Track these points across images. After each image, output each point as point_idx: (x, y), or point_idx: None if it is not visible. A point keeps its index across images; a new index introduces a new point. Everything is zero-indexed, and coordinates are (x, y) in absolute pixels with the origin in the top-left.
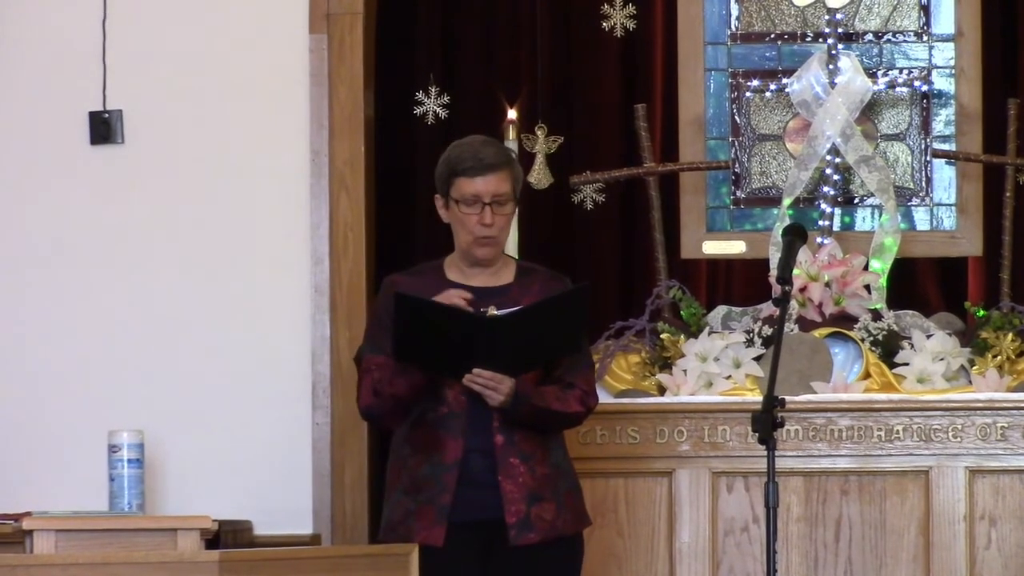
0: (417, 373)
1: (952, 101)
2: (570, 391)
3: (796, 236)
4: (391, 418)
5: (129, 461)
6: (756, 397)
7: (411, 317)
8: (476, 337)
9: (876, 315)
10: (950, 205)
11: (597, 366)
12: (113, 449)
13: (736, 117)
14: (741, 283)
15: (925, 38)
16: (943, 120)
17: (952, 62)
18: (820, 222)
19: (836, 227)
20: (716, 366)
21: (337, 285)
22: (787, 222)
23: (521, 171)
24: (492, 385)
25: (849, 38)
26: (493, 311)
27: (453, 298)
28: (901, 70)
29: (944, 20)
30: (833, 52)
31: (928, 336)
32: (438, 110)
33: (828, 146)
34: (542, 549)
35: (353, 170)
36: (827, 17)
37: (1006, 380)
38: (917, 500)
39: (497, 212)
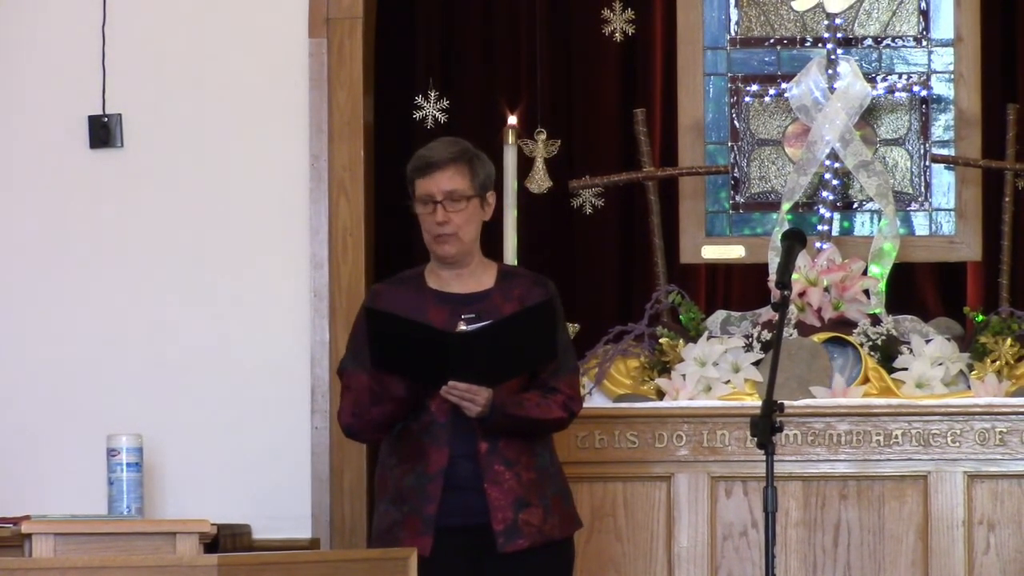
0: (394, 401)
1: (951, 106)
2: (552, 396)
3: (795, 241)
4: (372, 436)
5: (128, 465)
6: (755, 402)
7: (384, 331)
8: (448, 351)
9: (875, 320)
10: (949, 210)
11: (596, 370)
12: (112, 453)
13: (735, 122)
14: (740, 288)
15: (924, 43)
16: (942, 125)
17: (951, 67)
18: (819, 227)
19: (835, 232)
20: (715, 371)
21: (336, 289)
22: (786, 227)
23: (485, 164)
24: (468, 397)
25: (848, 43)
26: (462, 327)
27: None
28: (900, 75)
29: (943, 25)
30: (832, 57)
31: (927, 341)
32: (437, 114)
33: (827, 151)
34: (531, 554)
35: (352, 174)
36: (826, 22)
37: (1005, 385)
38: (916, 505)
39: (451, 209)
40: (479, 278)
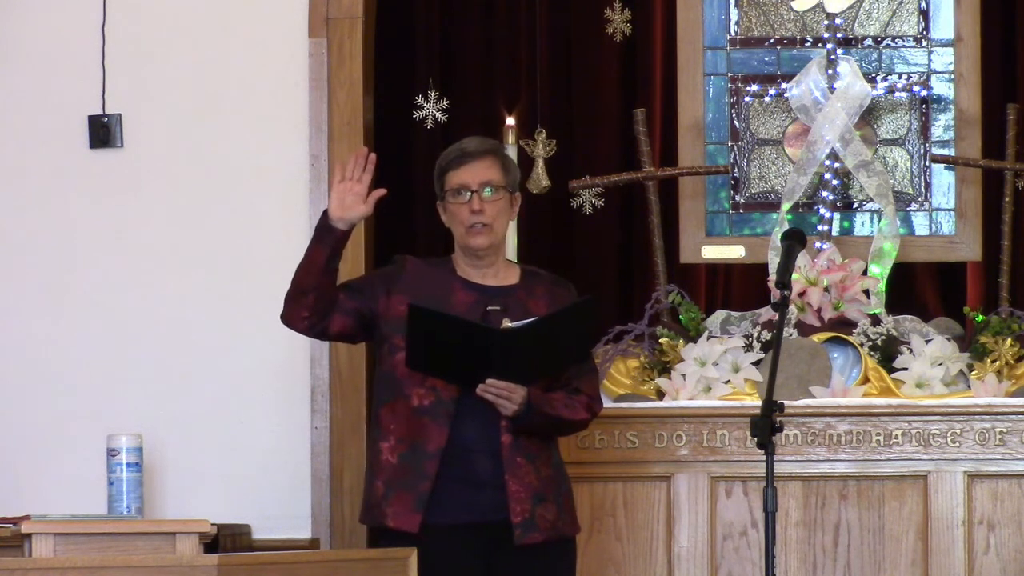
0: (318, 258)
1: (951, 106)
2: (576, 397)
3: (795, 241)
4: (293, 303)
5: (128, 465)
6: (755, 402)
7: (424, 328)
8: (490, 349)
9: (875, 320)
10: (949, 210)
11: None
12: (112, 453)
13: (735, 122)
14: (740, 288)
15: (924, 43)
16: (942, 125)
17: (951, 67)
18: (819, 227)
19: (835, 232)
20: (715, 371)
21: None
22: (786, 227)
23: (514, 164)
24: (506, 395)
25: (848, 43)
26: (507, 323)
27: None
28: (900, 75)
29: (943, 25)
30: (832, 57)
31: (927, 341)
32: (437, 114)
33: (827, 151)
34: (544, 549)
35: None
36: (826, 22)
37: (1005, 385)
38: (916, 505)
39: (486, 199)
40: (504, 276)
